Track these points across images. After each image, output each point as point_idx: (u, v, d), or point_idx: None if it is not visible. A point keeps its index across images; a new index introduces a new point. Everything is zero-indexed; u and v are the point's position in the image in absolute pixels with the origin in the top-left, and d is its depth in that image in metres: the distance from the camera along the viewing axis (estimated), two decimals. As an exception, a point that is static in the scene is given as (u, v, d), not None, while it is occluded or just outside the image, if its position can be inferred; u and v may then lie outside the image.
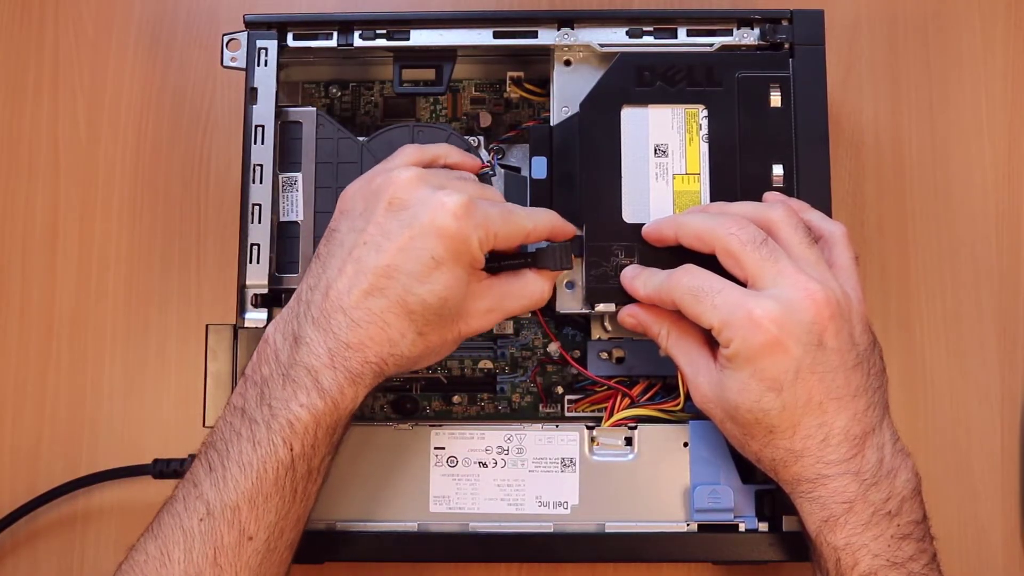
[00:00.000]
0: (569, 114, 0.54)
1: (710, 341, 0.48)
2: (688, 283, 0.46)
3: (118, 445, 0.61)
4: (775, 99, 0.53)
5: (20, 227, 0.63)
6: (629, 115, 0.53)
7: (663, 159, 0.53)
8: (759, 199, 0.51)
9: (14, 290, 0.63)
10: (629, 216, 0.52)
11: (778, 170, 0.52)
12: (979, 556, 0.59)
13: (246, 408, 0.45)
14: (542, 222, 0.49)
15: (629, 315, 0.50)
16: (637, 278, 0.50)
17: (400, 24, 0.55)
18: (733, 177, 0.52)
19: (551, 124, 0.54)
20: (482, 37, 0.55)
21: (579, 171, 0.52)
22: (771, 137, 0.52)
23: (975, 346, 0.61)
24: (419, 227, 0.45)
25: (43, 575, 0.59)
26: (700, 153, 0.53)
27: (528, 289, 0.49)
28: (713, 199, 0.52)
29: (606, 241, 0.51)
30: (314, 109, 0.55)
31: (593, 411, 0.56)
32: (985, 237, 0.62)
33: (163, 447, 0.60)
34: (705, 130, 0.53)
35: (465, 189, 0.47)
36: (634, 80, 0.53)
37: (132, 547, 0.45)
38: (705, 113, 0.53)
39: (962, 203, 0.63)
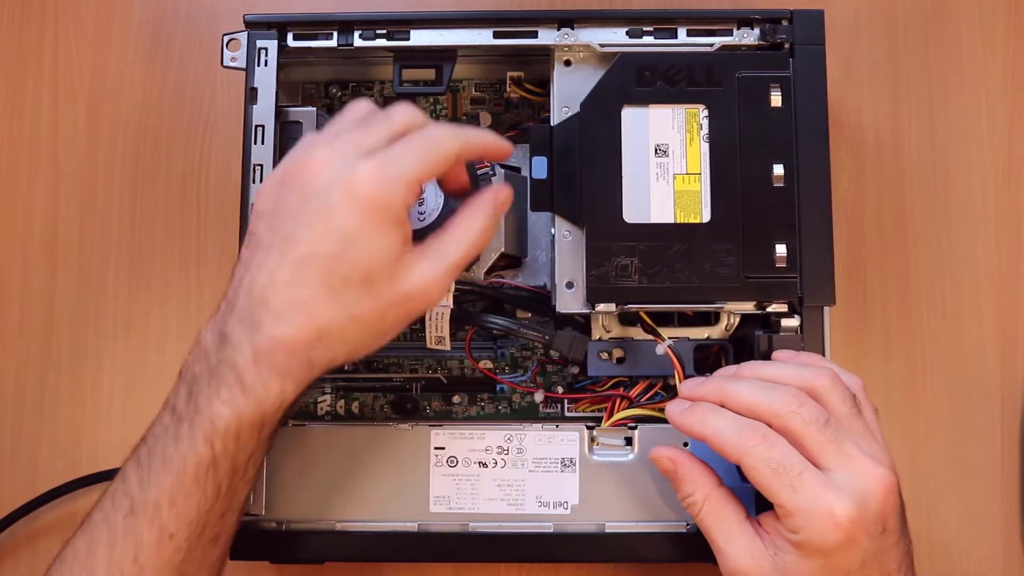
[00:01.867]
0: (569, 114, 0.54)
1: (746, 510, 0.47)
2: (767, 454, 0.44)
3: (118, 445, 0.60)
4: (775, 99, 0.53)
5: (20, 227, 0.63)
6: (629, 115, 0.53)
7: (664, 159, 0.53)
8: (760, 199, 0.51)
9: (14, 290, 0.62)
10: (630, 216, 0.52)
11: (778, 170, 0.52)
12: (979, 556, 0.59)
13: (176, 405, 0.44)
14: (471, 139, 0.46)
15: (669, 459, 0.48)
16: (690, 414, 0.47)
17: (400, 24, 0.55)
18: (734, 177, 0.52)
19: (551, 124, 0.54)
20: (482, 37, 0.55)
21: (579, 171, 0.52)
22: (771, 137, 0.52)
23: (975, 346, 0.61)
24: (332, 208, 0.43)
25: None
26: (701, 153, 0.53)
27: (464, 226, 0.46)
28: (714, 199, 0.52)
29: (607, 241, 0.51)
30: (314, 109, 0.55)
31: (593, 411, 0.56)
32: (985, 237, 0.62)
33: (163, 447, 0.60)
34: (706, 130, 0.53)
35: (373, 147, 0.44)
36: (634, 80, 0.53)
37: (66, 541, 0.44)
38: (706, 113, 0.53)
39: (962, 203, 0.63)
